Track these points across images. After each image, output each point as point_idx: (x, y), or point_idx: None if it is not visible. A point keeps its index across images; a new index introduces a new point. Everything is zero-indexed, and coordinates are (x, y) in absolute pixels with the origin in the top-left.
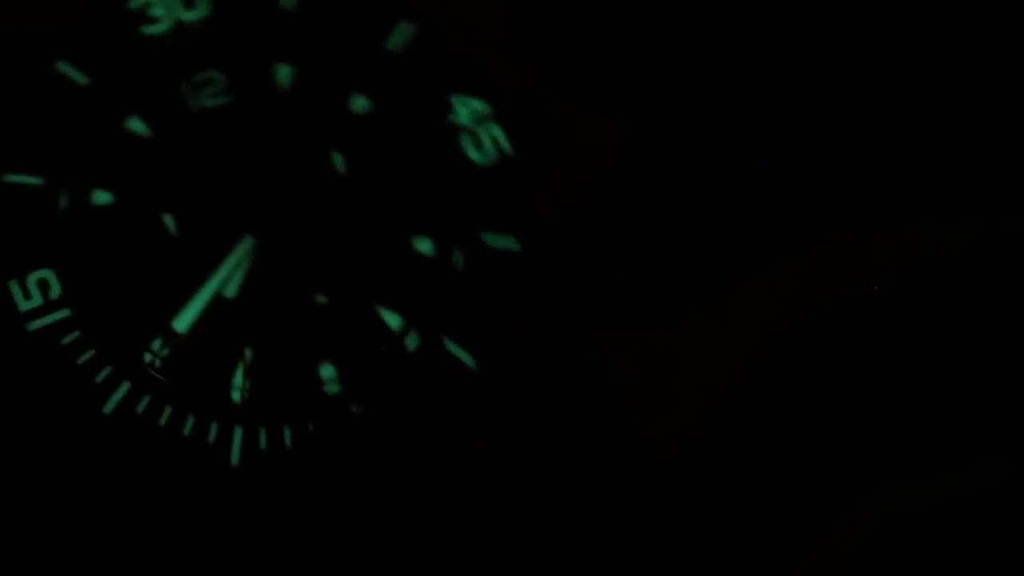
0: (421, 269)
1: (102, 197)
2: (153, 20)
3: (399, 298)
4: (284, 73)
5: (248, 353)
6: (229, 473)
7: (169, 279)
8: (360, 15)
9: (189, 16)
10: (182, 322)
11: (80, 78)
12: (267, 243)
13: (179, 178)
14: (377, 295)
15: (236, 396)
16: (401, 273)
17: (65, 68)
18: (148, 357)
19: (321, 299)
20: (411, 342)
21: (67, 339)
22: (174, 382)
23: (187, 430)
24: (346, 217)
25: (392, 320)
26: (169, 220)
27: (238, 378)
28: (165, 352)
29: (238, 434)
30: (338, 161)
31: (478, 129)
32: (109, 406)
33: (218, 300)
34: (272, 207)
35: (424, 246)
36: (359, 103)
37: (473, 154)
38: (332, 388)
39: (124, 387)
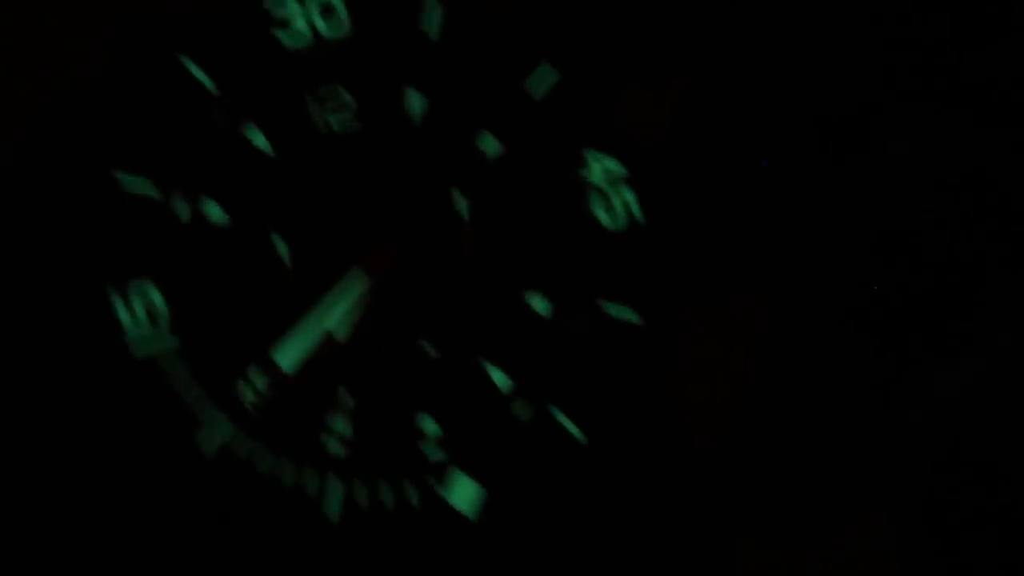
0: (534, 329)
1: (214, 212)
2: (291, 31)
3: (508, 356)
4: (416, 102)
5: (349, 399)
6: (329, 529)
7: (274, 308)
8: (503, 52)
9: (329, 33)
10: (287, 358)
11: (206, 80)
12: (380, 282)
13: (296, 201)
14: (486, 350)
15: (335, 447)
16: (512, 330)
17: (191, 65)
18: (247, 392)
19: (429, 348)
20: (518, 407)
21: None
22: (272, 422)
23: (287, 480)
24: (463, 263)
25: (499, 379)
26: (281, 244)
27: (338, 425)
28: (266, 388)
29: (338, 489)
30: (461, 203)
31: (610, 190)
32: (210, 446)
33: (326, 341)
34: (388, 243)
35: (539, 304)
36: (489, 144)
37: (602, 216)
38: (435, 454)
39: (226, 428)
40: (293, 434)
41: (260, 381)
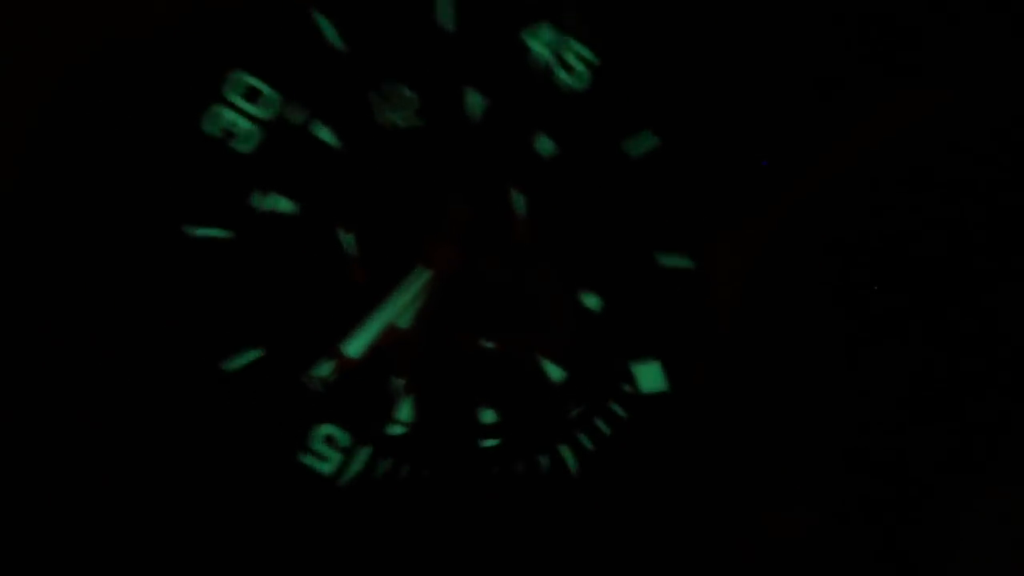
0: (586, 325)
1: (284, 205)
2: None
3: (563, 352)
4: (475, 102)
5: (411, 388)
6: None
7: (343, 301)
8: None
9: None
10: (354, 347)
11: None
12: (442, 276)
13: (363, 195)
14: (541, 345)
15: (397, 431)
16: (566, 326)
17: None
18: (313, 377)
19: (487, 342)
20: (572, 402)
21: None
22: (337, 404)
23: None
24: (519, 260)
25: (555, 373)
26: (346, 238)
27: (403, 413)
28: (333, 375)
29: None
30: (519, 201)
31: None
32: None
33: (389, 329)
34: (453, 243)
35: (592, 302)
36: (544, 144)
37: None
38: (490, 441)
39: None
40: (359, 417)
41: (325, 365)
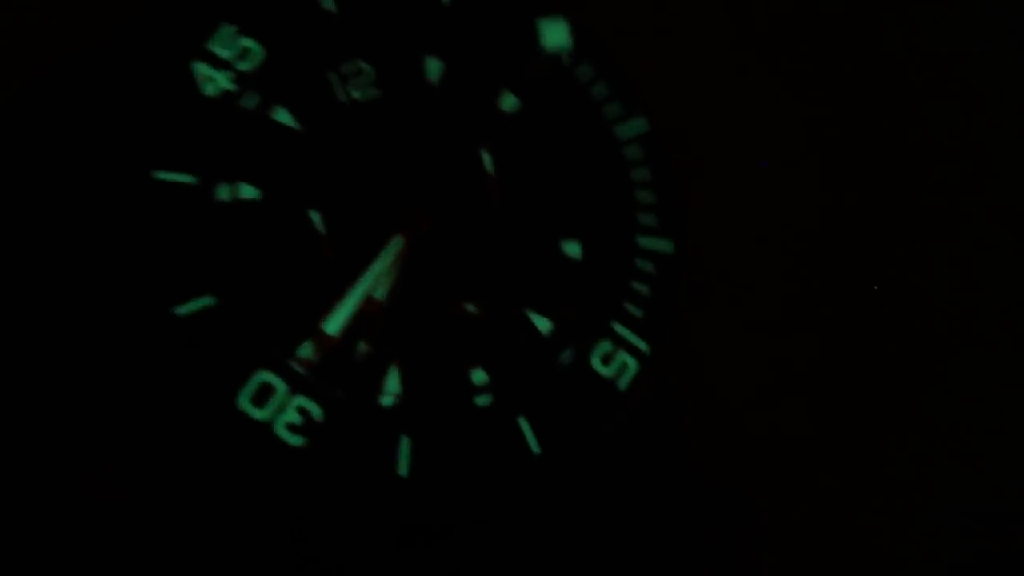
0: (570, 274)
1: (248, 192)
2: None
3: (549, 303)
4: (433, 68)
5: (398, 358)
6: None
7: (316, 279)
8: (513, 12)
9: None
10: (333, 324)
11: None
12: (416, 243)
13: (326, 173)
14: (526, 299)
15: (388, 402)
16: (550, 277)
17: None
18: (297, 360)
19: (470, 305)
20: (564, 353)
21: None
22: (325, 386)
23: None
24: (494, 218)
25: (542, 325)
26: (316, 217)
27: (391, 384)
28: (316, 355)
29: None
30: (485, 159)
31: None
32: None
33: (367, 302)
34: (421, 205)
35: (573, 250)
36: (507, 100)
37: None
38: (483, 399)
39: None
40: (344, 394)
41: (306, 346)
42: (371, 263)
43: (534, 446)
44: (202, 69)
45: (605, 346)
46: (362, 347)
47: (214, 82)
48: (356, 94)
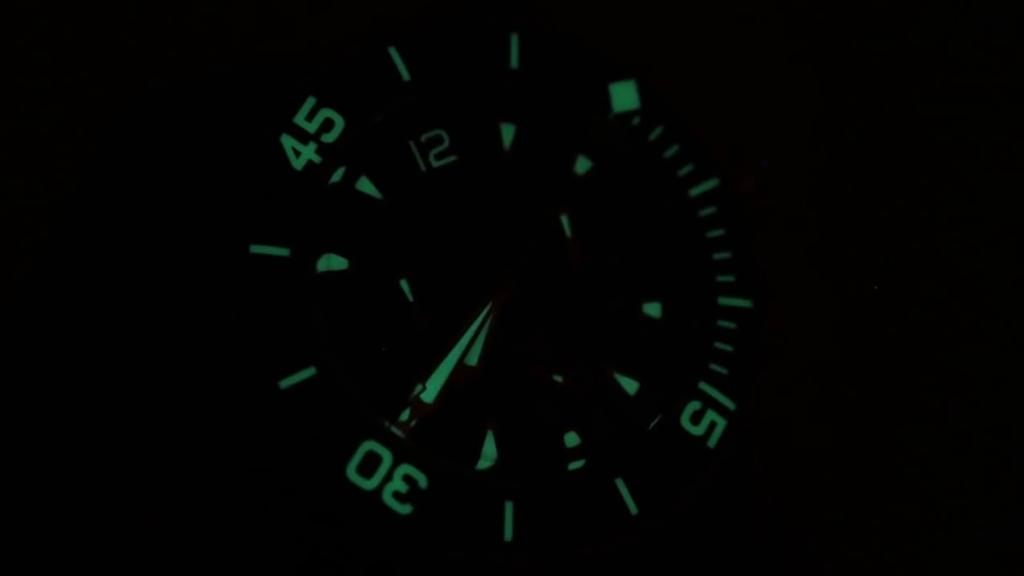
0: (653, 334)
1: (337, 262)
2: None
3: (634, 364)
4: (507, 133)
5: (494, 423)
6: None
7: (410, 346)
8: (584, 75)
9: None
10: (429, 392)
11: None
12: (504, 308)
13: (411, 241)
14: (613, 361)
15: (486, 466)
16: (634, 338)
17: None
18: (398, 427)
19: (558, 376)
20: (652, 413)
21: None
22: (428, 453)
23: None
24: (576, 282)
25: (629, 386)
26: (404, 284)
27: (489, 449)
28: (414, 423)
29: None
30: (565, 224)
31: None
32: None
33: (460, 368)
34: (507, 271)
35: (653, 310)
36: (582, 165)
37: None
38: (576, 463)
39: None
40: (442, 459)
41: (404, 414)
42: (463, 329)
43: (632, 506)
44: (289, 142)
45: (694, 405)
46: (458, 413)
47: (301, 155)
48: (435, 162)
